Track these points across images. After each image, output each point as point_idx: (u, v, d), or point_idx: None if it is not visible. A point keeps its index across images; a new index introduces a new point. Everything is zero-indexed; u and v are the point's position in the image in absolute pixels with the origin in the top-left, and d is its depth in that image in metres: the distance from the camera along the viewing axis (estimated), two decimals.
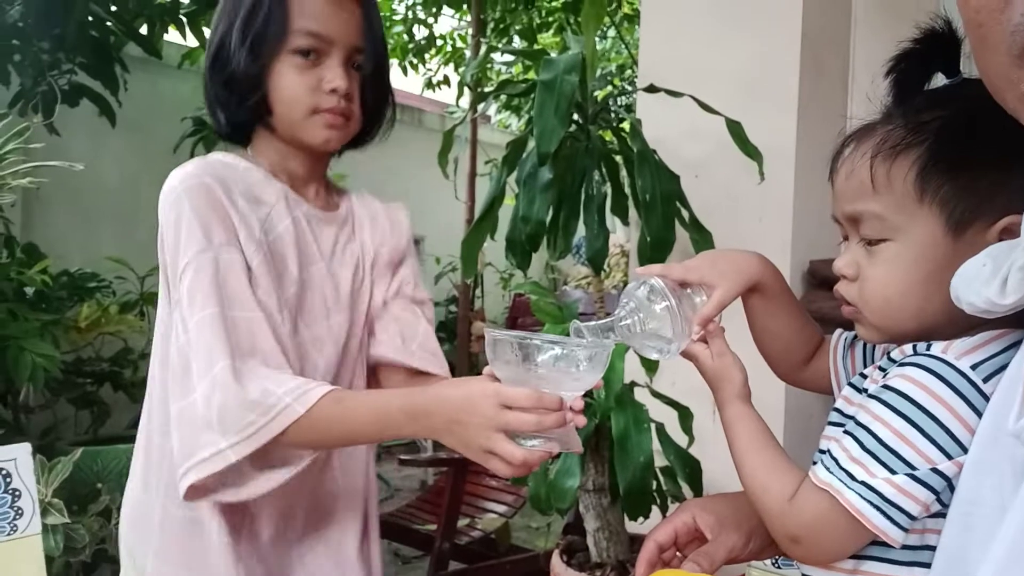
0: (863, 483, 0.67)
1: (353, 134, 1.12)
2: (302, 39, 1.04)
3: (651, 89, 1.87)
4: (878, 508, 0.66)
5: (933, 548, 0.65)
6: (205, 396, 0.94)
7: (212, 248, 0.99)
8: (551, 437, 0.85)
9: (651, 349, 0.84)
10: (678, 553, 0.87)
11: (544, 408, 0.81)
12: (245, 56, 1.04)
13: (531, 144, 1.77)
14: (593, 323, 0.83)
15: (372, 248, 1.17)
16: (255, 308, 0.99)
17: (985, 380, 0.65)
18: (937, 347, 0.68)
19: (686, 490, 1.80)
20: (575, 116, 1.87)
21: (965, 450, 0.64)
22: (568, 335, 0.84)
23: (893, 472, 0.66)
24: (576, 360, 0.81)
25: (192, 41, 4.20)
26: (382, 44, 1.14)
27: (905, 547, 0.68)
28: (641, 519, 1.69)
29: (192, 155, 4.79)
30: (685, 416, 1.83)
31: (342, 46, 1.06)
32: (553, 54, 1.79)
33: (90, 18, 3.72)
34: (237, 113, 1.09)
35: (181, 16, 3.91)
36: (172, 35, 4.13)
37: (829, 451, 0.71)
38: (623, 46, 5.48)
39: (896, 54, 0.71)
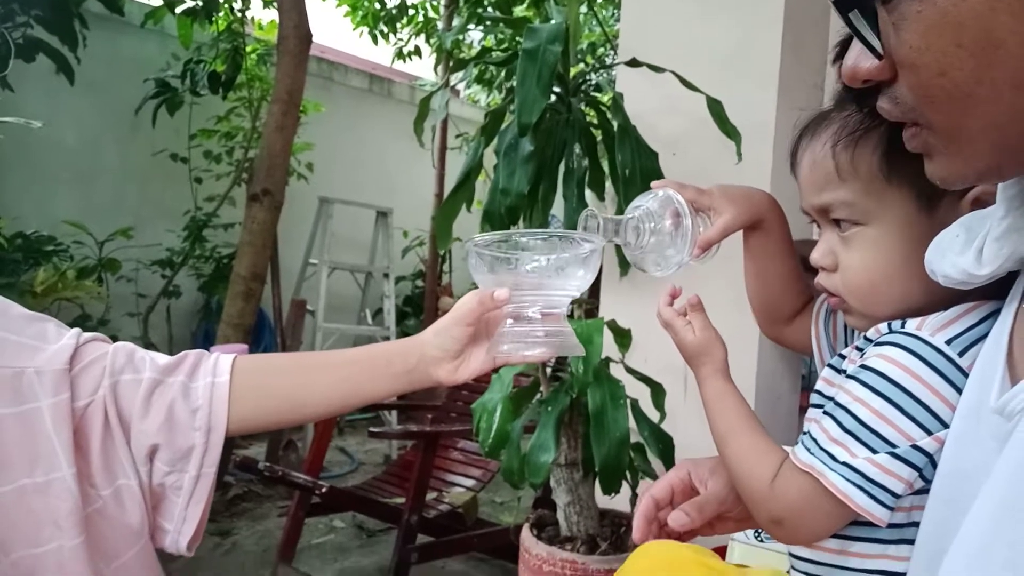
0: (845, 464, 0.67)
1: None
2: None
3: (633, 63, 1.85)
4: (861, 488, 0.66)
5: (919, 524, 0.65)
6: None
7: None
8: (549, 341, 0.85)
9: (651, 262, 0.85)
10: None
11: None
12: None
13: (511, 116, 1.74)
14: (606, 216, 0.83)
15: None
16: None
17: (961, 354, 0.65)
18: (912, 324, 0.68)
19: (658, 466, 1.81)
20: (556, 88, 1.83)
21: (945, 425, 0.64)
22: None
23: (874, 451, 0.66)
24: (564, 265, 0.82)
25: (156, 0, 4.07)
26: None
27: (891, 525, 0.68)
28: (613, 494, 1.69)
29: (155, 118, 4.66)
30: (658, 392, 1.84)
31: None
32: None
33: None
34: None
35: None
36: None
37: (809, 432, 0.71)
38: (596, 23, 5.44)
39: (841, 39, 0.64)
